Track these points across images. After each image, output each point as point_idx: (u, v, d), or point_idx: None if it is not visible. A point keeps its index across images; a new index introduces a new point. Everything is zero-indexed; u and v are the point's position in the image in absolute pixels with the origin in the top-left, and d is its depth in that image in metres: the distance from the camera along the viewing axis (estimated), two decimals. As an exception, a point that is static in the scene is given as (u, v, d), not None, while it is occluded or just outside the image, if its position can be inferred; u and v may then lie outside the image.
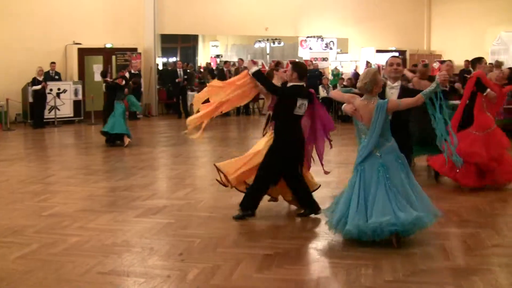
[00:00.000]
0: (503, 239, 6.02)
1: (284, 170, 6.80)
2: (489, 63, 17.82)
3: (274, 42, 25.15)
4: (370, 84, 5.71)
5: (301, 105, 6.75)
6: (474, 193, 8.10)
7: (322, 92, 18.59)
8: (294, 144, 6.79)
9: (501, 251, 5.68)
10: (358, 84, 5.81)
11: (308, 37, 24.50)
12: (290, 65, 7.01)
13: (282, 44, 25.20)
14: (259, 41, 25.53)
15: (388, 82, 6.35)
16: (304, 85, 6.87)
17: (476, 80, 8.18)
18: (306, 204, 6.89)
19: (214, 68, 24.61)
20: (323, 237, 6.11)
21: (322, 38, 24.55)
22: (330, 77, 21.68)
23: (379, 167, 5.74)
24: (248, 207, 6.81)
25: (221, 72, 20.54)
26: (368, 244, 5.64)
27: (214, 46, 27.85)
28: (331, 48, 24.81)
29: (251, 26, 23.33)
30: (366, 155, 5.78)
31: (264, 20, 23.46)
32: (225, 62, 21.34)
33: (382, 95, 6.05)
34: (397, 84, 6.34)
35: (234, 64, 21.85)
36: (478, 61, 9.18)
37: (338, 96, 6.15)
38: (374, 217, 5.53)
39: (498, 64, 14.56)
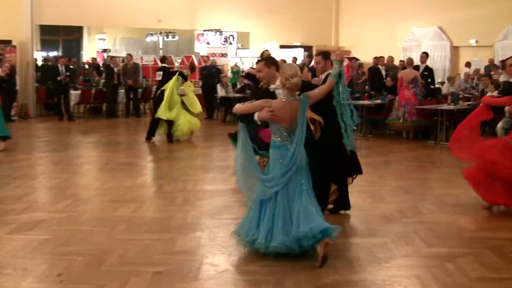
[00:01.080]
0: (412, 248, 6.20)
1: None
2: (401, 61, 18.47)
3: (167, 36, 24.99)
4: (300, 79, 5.74)
5: None
6: (382, 200, 8.34)
7: (221, 92, 18.64)
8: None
9: (411, 262, 5.84)
10: (285, 81, 5.68)
11: (205, 30, 24.51)
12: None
13: (176, 38, 25.08)
14: (151, 34, 25.31)
15: (271, 86, 6.30)
16: None
17: None
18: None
19: (101, 64, 24.15)
20: (221, 251, 6.08)
21: (220, 32, 24.63)
22: (230, 74, 21.77)
23: (301, 171, 5.80)
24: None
25: (108, 69, 20.14)
26: (270, 258, 5.66)
27: (101, 39, 27.38)
28: (230, 43, 24.93)
29: (142, 17, 23.05)
30: (293, 161, 5.77)
31: (156, 11, 23.25)
32: (112, 57, 20.96)
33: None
34: (278, 83, 6.38)
35: (123, 60, 21.49)
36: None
37: (244, 108, 5.88)
38: (302, 226, 5.57)
39: (411, 62, 15.06)
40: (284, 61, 9.88)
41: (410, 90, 14.52)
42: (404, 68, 16.51)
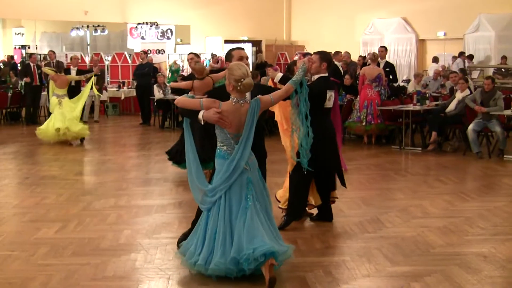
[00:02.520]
0: (375, 267, 6.29)
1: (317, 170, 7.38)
2: (360, 56, 18.61)
3: (96, 30, 24.82)
4: (251, 80, 5.77)
5: (330, 97, 7.71)
6: (340, 213, 8.43)
7: (158, 93, 18.57)
8: (329, 140, 7.72)
9: (373, 283, 5.93)
10: (236, 83, 5.72)
11: (139, 24, 24.42)
12: (317, 56, 7.69)
13: (106, 32, 24.94)
14: (77, 28, 25.08)
15: None
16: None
17: None
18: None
19: (18, 62, 23.79)
20: (159, 275, 6.06)
21: (157, 25, 24.57)
22: (168, 74, 21.70)
23: (248, 183, 5.84)
24: (294, 215, 7.68)
25: (27, 68, 19.83)
26: (214, 282, 5.70)
27: (18, 34, 26.96)
28: (168, 38, 24.90)
29: (66, 9, 22.85)
30: (234, 170, 5.81)
31: (82, 2, 23.08)
32: (31, 55, 20.66)
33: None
34: None
35: (45, 58, 21.22)
36: None
37: (189, 103, 5.90)
38: (244, 247, 5.60)
39: (375, 57, 15.15)
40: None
41: (373, 89, 14.67)
42: (364, 64, 16.68)
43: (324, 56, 7.72)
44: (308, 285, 5.80)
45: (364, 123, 14.58)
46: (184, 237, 6.84)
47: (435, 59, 22.65)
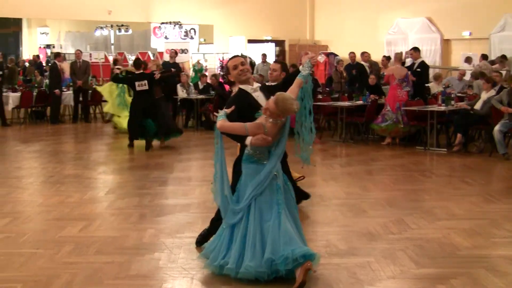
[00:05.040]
0: (400, 269, 6.24)
1: None
2: (384, 56, 18.53)
3: (120, 30, 24.94)
4: (291, 110, 5.75)
5: None
6: (364, 214, 8.38)
7: (181, 93, 18.59)
8: None
9: (398, 284, 5.88)
10: (279, 114, 5.71)
11: (162, 23, 24.49)
12: (279, 65, 8.02)
13: (130, 31, 25.04)
14: (101, 27, 25.21)
15: (249, 87, 6.30)
16: None
17: None
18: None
19: (43, 62, 23.98)
20: (182, 274, 6.05)
21: (180, 24, 24.62)
22: (191, 73, 21.73)
23: (277, 189, 5.86)
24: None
25: (53, 67, 19.94)
26: (238, 282, 5.69)
27: (43, 33, 27.15)
28: (192, 37, 24.93)
29: (90, 8, 22.97)
30: (267, 176, 5.82)
31: (106, 2, 23.17)
32: (57, 54, 20.77)
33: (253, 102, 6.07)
34: (257, 85, 6.38)
35: (65, 58, 21.29)
36: None
37: (235, 129, 5.87)
38: (282, 248, 5.61)
39: (400, 57, 15.04)
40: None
41: (402, 89, 14.55)
42: (386, 64, 16.61)
43: (284, 66, 8.02)
44: (332, 286, 5.76)
45: (402, 125, 14.38)
46: (201, 238, 6.85)
47: (468, 59, 22.30)
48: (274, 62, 8.14)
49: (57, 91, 19.41)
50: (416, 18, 25.53)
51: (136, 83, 14.14)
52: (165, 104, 15.15)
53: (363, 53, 19.35)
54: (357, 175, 11.27)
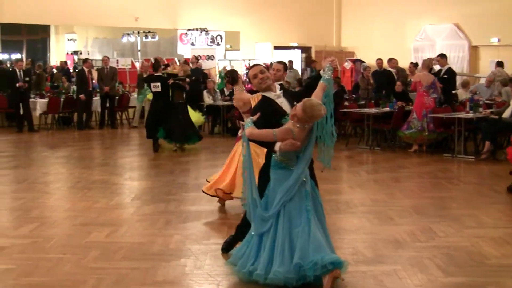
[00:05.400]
0: (427, 277, 6.19)
1: None
2: (412, 63, 18.43)
3: (146, 36, 25.04)
4: (319, 115, 5.76)
5: None
6: (391, 222, 8.34)
7: (207, 99, 18.62)
8: None
9: (424, 292, 5.83)
10: (307, 120, 5.71)
11: (189, 30, 24.56)
12: (281, 65, 7.62)
13: (156, 38, 25.14)
14: (128, 34, 25.35)
15: (272, 94, 6.29)
16: None
17: None
18: None
19: (71, 68, 24.14)
20: (208, 281, 6.05)
21: (207, 31, 24.68)
22: (217, 79, 21.77)
23: (306, 195, 5.85)
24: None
25: (81, 73, 20.07)
26: (260, 286, 5.67)
27: (70, 40, 27.35)
28: (218, 44, 24.99)
29: (117, 15, 23.11)
30: (296, 182, 5.82)
31: (133, 8, 23.31)
32: (86, 60, 20.88)
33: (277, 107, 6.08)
34: (279, 91, 6.37)
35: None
36: None
37: (263, 136, 5.88)
38: (311, 253, 5.60)
39: (428, 64, 14.93)
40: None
41: (429, 96, 14.45)
42: (413, 71, 16.53)
43: (285, 67, 7.83)
44: (359, 294, 5.74)
45: (427, 133, 14.28)
46: (227, 244, 6.85)
47: (500, 64, 21.92)
48: (277, 62, 8.10)
49: (82, 96, 19.54)
50: (443, 24, 25.37)
51: (152, 84, 14.86)
52: (183, 109, 15.24)
53: (390, 60, 19.25)
54: (383, 182, 11.21)
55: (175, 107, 14.82)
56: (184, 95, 15.22)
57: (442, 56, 16.10)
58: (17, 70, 19.17)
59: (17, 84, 18.86)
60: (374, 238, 7.56)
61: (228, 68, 22.93)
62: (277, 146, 5.79)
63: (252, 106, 8.14)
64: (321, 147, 6.30)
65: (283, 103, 6.10)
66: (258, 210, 5.93)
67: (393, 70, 18.87)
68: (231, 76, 9.11)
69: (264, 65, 6.99)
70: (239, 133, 9.06)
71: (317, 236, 5.71)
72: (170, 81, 14.71)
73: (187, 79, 15.46)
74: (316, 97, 5.91)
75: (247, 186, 6.07)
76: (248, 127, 5.94)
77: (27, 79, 19.23)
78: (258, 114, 5.99)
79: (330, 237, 6.13)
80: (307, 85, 6.69)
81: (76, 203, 9.51)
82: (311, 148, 5.89)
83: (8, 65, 22.45)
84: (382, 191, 10.35)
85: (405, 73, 18.97)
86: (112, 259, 6.72)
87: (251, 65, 19.78)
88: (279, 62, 8.14)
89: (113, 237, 7.61)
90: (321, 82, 6.09)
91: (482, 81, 20.80)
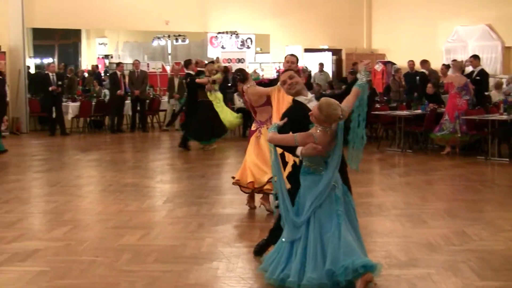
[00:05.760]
0: (462, 281, 6.13)
1: None
2: (444, 64, 18.29)
3: (177, 39, 25.11)
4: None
5: None
6: (424, 225, 8.28)
7: (238, 102, 18.65)
8: None
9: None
10: (326, 121, 5.68)
11: (219, 33, 24.61)
12: (295, 58, 7.94)
13: (187, 41, 25.19)
14: (158, 38, 25.44)
15: (302, 98, 6.27)
16: None
17: None
18: None
19: (102, 72, 24.30)
20: (240, 284, 6.04)
21: (237, 34, 24.72)
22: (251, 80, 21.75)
23: (337, 200, 5.82)
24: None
25: (113, 77, 20.20)
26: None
27: (101, 44, 27.51)
28: (248, 47, 25.01)
29: (148, 19, 23.21)
30: (326, 188, 5.79)
31: (164, 12, 23.40)
32: (118, 64, 20.99)
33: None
34: (312, 95, 6.34)
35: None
36: None
37: (284, 141, 5.90)
38: (342, 259, 5.57)
39: (460, 65, 14.79)
40: None
41: (462, 98, 14.31)
42: (445, 72, 16.40)
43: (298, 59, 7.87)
44: (393, 298, 5.70)
45: (459, 135, 14.15)
46: (259, 248, 6.84)
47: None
48: (291, 55, 8.20)
49: (119, 92, 19.76)
50: (476, 25, 25.12)
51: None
52: (204, 108, 15.43)
53: (424, 62, 19.13)
54: (416, 185, 11.13)
55: (196, 105, 15.22)
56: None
57: (475, 57, 15.96)
58: (50, 74, 19.37)
59: (50, 88, 19.06)
60: (407, 241, 7.50)
61: (258, 71, 22.96)
62: (299, 150, 5.76)
63: (273, 98, 8.24)
64: (350, 150, 6.25)
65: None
66: (291, 216, 5.91)
67: (427, 72, 18.76)
68: (241, 74, 9.21)
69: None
70: (253, 127, 9.19)
71: (347, 240, 5.66)
72: (187, 80, 15.59)
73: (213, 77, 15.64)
74: (347, 102, 5.89)
75: (278, 192, 6.06)
76: (270, 131, 5.95)
77: (59, 83, 19.42)
78: (285, 120, 5.99)
79: (363, 240, 6.09)
80: (347, 89, 6.68)
81: (108, 206, 9.56)
82: (338, 153, 5.81)
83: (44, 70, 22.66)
84: (415, 194, 10.28)
85: (437, 74, 18.85)
86: (144, 262, 6.75)
87: (281, 68, 19.92)
88: (292, 55, 8.19)
89: (145, 240, 7.64)
90: (355, 87, 6.04)
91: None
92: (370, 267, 5.55)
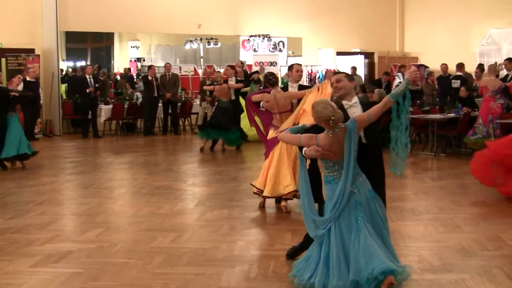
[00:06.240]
0: (497, 287, 6.07)
1: None
2: (478, 67, 18.13)
3: (209, 42, 25.17)
4: (340, 113, 5.73)
5: None
6: (457, 229, 8.21)
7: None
8: None
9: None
10: (320, 122, 5.73)
11: (251, 36, 24.64)
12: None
13: (219, 44, 25.25)
14: (191, 41, 25.53)
15: (344, 102, 6.27)
16: None
17: None
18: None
19: (134, 75, 24.45)
20: (271, 285, 6.06)
21: (269, 37, 24.73)
22: (280, 85, 21.74)
23: (356, 205, 5.78)
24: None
25: (145, 79, 20.32)
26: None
27: (134, 47, 27.69)
28: (280, 50, 25.00)
29: (180, 22, 23.30)
30: (342, 195, 5.77)
31: (196, 15, 23.48)
32: (150, 67, 21.10)
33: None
34: (355, 100, 6.32)
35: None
36: None
37: (290, 140, 6.09)
38: (363, 267, 5.54)
39: (494, 68, 14.64)
40: None
41: (496, 102, 14.17)
42: (479, 76, 16.28)
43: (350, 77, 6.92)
44: (426, 303, 5.67)
45: (493, 138, 14.00)
46: (292, 251, 6.84)
47: None
48: (298, 64, 8.59)
49: (152, 94, 19.94)
50: (510, 28, 24.87)
51: None
52: (225, 110, 16.12)
53: (461, 65, 18.97)
54: (449, 189, 11.05)
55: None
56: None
57: (509, 61, 15.81)
58: (87, 76, 19.55)
59: (87, 90, 19.24)
60: (440, 246, 7.46)
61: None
62: (304, 151, 5.86)
63: (305, 99, 8.37)
64: (394, 157, 6.23)
65: (355, 112, 6.05)
66: (308, 212, 5.98)
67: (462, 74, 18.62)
68: (275, 78, 9.51)
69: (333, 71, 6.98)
70: (271, 134, 9.43)
71: (368, 247, 5.61)
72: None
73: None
74: (372, 111, 5.84)
75: (303, 196, 6.08)
76: (288, 130, 6.05)
77: (96, 85, 19.62)
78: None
79: (392, 246, 6.04)
80: (372, 104, 6.56)
81: (141, 209, 9.62)
82: (348, 159, 5.72)
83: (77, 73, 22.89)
84: (448, 198, 10.20)
85: (471, 78, 18.70)
86: (176, 265, 6.78)
87: (313, 71, 20.04)
88: (299, 64, 8.52)
89: (178, 242, 7.67)
90: (387, 97, 5.91)
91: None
92: (390, 271, 5.50)
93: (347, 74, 6.35)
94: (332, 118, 5.62)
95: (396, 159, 6.23)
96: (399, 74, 22.25)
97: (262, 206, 9.54)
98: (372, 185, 5.96)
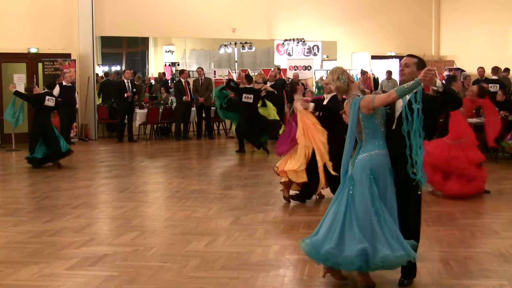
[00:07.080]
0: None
1: None
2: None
3: (243, 47, 25.21)
4: (345, 80, 6.06)
5: None
6: (495, 235, 8.12)
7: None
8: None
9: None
10: (333, 86, 6.15)
11: (286, 40, 24.63)
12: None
13: (253, 49, 25.27)
14: (225, 45, 25.59)
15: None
16: None
17: None
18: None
19: (169, 79, 24.57)
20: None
21: (303, 41, 24.70)
22: (314, 90, 21.74)
23: (349, 179, 6.03)
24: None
25: (178, 84, 20.44)
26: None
27: (168, 51, 27.82)
28: (315, 54, 24.96)
29: (215, 26, 23.38)
30: (343, 167, 6.12)
31: (231, 20, 23.55)
32: (182, 71, 21.22)
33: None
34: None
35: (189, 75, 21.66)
36: None
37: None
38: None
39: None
40: None
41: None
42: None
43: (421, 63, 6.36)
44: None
45: None
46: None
47: None
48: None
49: (185, 98, 20.03)
50: (548, 31, 24.64)
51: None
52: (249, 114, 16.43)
53: (496, 68, 18.77)
54: (487, 194, 10.93)
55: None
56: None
57: None
58: (125, 81, 19.73)
59: (125, 94, 19.42)
60: (477, 252, 7.39)
61: (325, 78, 22.88)
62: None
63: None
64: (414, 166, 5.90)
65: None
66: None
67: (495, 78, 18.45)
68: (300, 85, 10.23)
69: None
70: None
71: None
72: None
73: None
74: (378, 98, 5.91)
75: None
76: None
77: (134, 90, 19.77)
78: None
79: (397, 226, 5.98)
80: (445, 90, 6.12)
81: (175, 213, 9.65)
82: (352, 133, 6.00)
83: (108, 76, 23.08)
84: (485, 203, 10.11)
85: (509, 81, 18.52)
86: (211, 269, 6.79)
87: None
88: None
89: (212, 246, 7.69)
90: (393, 89, 5.81)
91: None
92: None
93: (419, 61, 6.13)
94: (342, 81, 6.08)
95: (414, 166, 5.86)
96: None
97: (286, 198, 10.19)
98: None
